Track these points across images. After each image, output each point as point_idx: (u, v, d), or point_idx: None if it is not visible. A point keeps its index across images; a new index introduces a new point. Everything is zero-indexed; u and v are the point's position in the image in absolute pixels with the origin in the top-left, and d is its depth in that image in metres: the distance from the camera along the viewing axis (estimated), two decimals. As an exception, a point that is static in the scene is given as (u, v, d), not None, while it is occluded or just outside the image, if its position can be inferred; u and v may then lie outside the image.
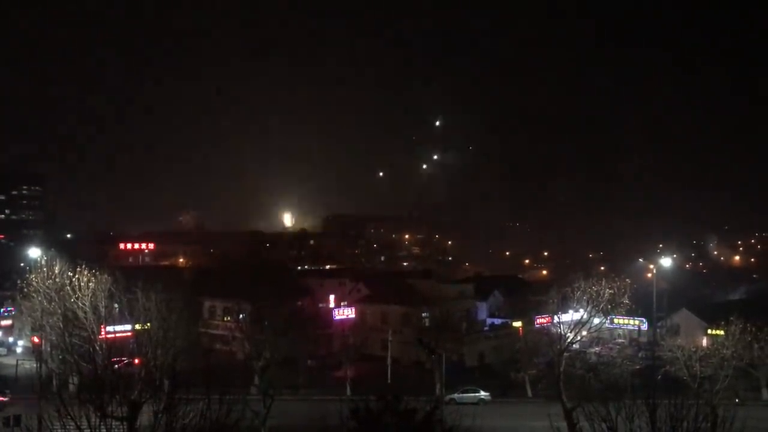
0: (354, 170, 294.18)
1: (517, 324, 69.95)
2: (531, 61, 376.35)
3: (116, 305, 51.03)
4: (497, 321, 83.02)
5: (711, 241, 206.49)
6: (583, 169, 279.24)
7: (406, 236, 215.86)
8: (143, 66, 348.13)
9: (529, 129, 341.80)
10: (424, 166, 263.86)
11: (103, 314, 49.39)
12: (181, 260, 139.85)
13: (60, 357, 51.52)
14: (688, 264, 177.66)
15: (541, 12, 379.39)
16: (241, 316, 62.19)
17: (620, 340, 74.98)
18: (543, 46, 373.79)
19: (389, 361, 64.33)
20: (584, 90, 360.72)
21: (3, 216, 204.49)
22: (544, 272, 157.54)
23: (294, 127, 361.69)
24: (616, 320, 68.80)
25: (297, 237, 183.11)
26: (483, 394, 58.49)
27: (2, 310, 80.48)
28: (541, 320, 62.80)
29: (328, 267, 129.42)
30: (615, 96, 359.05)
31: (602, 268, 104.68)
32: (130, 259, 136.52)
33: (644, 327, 77.90)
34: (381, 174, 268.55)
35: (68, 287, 51.34)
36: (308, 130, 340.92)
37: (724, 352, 50.33)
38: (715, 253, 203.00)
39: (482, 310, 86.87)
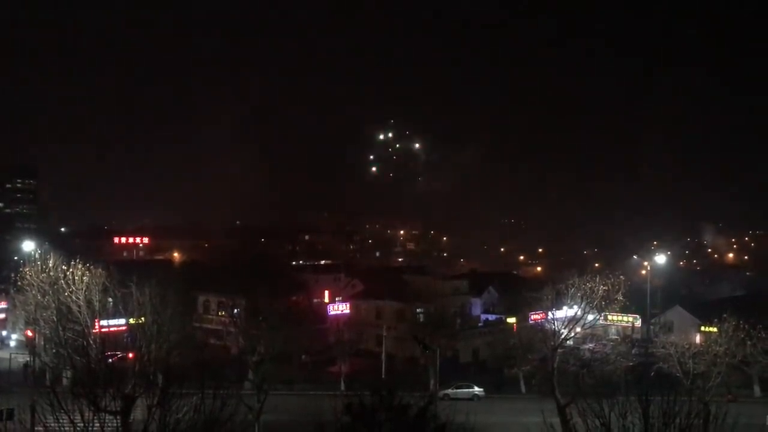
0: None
1: (512, 320, 70.05)
2: (527, 57, 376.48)
3: (110, 299, 50.88)
4: (492, 317, 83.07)
5: (705, 239, 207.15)
6: (578, 166, 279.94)
7: (401, 232, 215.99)
8: (137, 60, 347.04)
9: (525, 125, 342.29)
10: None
11: (97, 308, 49.23)
12: (175, 255, 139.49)
13: (53, 351, 51.37)
14: (683, 261, 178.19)
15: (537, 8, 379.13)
16: (235, 310, 62.07)
17: (614, 337, 75.09)
18: (539, 43, 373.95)
19: (383, 356, 64.36)
20: (580, 87, 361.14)
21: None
22: (539, 269, 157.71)
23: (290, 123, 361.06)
24: (609, 317, 68.97)
25: (292, 232, 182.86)
26: (477, 389, 58.64)
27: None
28: (535, 316, 62.90)
29: (323, 262, 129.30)
30: (611, 94, 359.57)
31: (597, 264, 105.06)
32: (125, 254, 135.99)
33: (638, 324, 78.13)
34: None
35: (62, 281, 51.15)
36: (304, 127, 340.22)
37: (717, 349, 50.55)
38: (710, 250, 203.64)
39: (477, 306, 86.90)
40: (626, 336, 77.07)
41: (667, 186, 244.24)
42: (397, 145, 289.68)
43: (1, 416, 39.42)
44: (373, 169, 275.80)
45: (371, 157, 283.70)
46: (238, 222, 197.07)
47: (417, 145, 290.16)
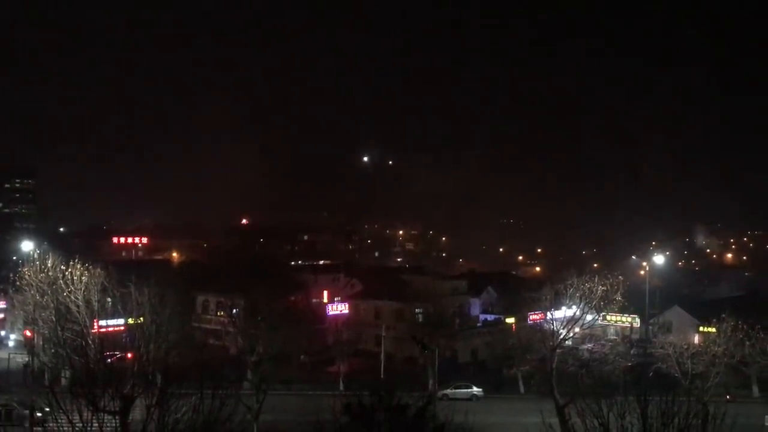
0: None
1: (511, 320, 70.04)
2: (527, 57, 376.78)
3: (109, 299, 50.89)
4: (490, 317, 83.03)
5: (704, 239, 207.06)
6: (578, 166, 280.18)
7: (401, 232, 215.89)
8: (137, 60, 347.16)
9: (524, 125, 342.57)
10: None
11: (95, 308, 49.27)
12: (174, 255, 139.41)
13: (52, 351, 51.37)
14: (681, 261, 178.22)
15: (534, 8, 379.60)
16: (234, 310, 62.04)
17: (613, 337, 75.17)
18: (538, 42, 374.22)
19: (382, 356, 64.33)
20: (579, 87, 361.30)
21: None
22: (538, 269, 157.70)
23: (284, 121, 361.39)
24: (608, 317, 68.97)
25: (291, 232, 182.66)
26: (476, 389, 58.61)
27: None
28: (534, 317, 62.89)
29: (322, 262, 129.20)
30: (611, 94, 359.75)
31: (595, 265, 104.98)
32: (124, 253, 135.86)
33: (637, 324, 78.17)
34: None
35: (61, 281, 51.20)
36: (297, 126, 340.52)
37: (716, 349, 50.53)
38: (708, 250, 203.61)
39: (475, 306, 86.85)
40: (625, 336, 77.19)
41: (666, 186, 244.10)
42: (395, 149, 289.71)
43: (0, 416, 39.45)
44: (372, 169, 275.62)
45: (365, 159, 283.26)
46: (243, 221, 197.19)
47: (415, 145, 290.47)
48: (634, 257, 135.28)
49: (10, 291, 66.71)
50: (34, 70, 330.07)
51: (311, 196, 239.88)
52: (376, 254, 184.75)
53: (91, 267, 52.34)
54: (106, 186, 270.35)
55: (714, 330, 54.14)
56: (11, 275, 63.27)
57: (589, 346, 60.80)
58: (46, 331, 53.53)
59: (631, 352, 65.24)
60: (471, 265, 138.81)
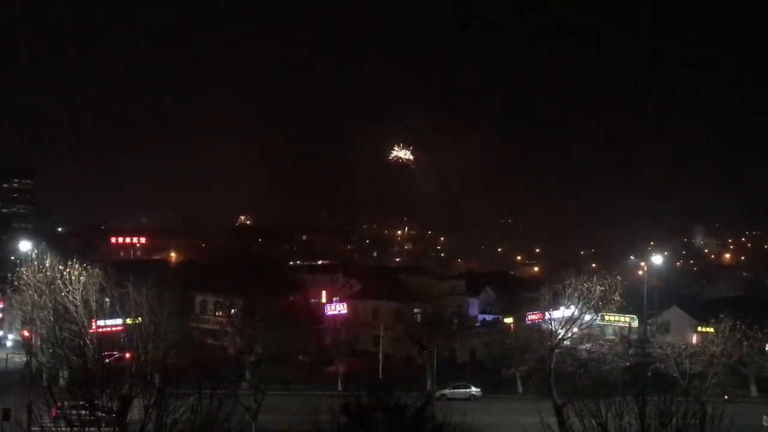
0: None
1: (509, 320, 70.08)
2: (527, 57, 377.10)
3: (107, 299, 50.88)
4: (489, 317, 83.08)
5: (702, 239, 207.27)
6: (578, 166, 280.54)
7: (399, 232, 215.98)
8: (137, 60, 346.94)
9: (525, 125, 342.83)
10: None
11: (94, 308, 49.27)
12: (172, 255, 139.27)
13: (50, 351, 51.34)
14: (679, 261, 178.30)
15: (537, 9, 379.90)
16: (232, 310, 62.01)
17: (611, 337, 75.18)
18: (538, 42, 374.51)
19: (381, 356, 64.36)
20: (580, 87, 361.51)
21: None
22: (536, 269, 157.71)
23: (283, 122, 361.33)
24: (606, 317, 69.04)
25: (289, 232, 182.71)
26: (474, 389, 58.62)
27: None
28: (532, 317, 62.94)
29: (320, 262, 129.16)
30: (612, 94, 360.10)
31: (594, 265, 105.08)
32: (122, 254, 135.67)
33: (635, 324, 78.23)
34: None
35: (59, 281, 51.20)
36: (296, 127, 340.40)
37: (714, 349, 50.60)
38: (706, 250, 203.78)
39: (474, 306, 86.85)
40: (623, 336, 77.22)
41: (665, 186, 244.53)
42: (395, 147, 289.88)
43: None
44: (371, 169, 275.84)
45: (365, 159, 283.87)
46: (242, 217, 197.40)
47: (415, 145, 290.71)
48: (632, 257, 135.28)
49: (8, 291, 66.68)
50: (34, 70, 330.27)
51: (311, 196, 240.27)
52: (375, 254, 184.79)
53: (89, 267, 52.34)
54: (106, 186, 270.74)
55: (712, 330, 54.20)
56: (9, 275, 63.24)
57: (588, 346, 60.86)
58: (44, 331, 53.52)
59: (630, 352, 65.32)
60: (470, 265, 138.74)
